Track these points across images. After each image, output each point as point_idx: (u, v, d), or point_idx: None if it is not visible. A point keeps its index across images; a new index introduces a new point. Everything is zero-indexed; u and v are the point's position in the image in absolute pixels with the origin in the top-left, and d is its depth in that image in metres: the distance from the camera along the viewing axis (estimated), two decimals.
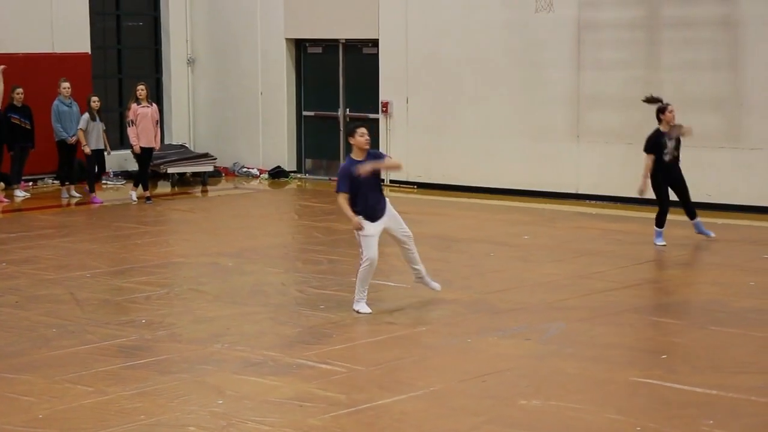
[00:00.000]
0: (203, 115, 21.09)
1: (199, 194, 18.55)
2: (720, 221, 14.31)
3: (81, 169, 17.94)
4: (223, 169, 20.25)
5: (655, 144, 12.91)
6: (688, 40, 15.84)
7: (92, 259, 12.54)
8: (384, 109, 18.74)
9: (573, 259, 12.38)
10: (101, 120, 16.96)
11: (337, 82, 19.64)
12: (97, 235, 14.35)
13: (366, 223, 9.78)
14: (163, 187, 18.96)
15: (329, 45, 19.68)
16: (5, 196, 17.28)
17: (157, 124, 16.99)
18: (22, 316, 9.89)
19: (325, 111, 19.82)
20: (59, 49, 19.09)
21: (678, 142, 13.00)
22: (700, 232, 13.23)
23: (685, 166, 15.82)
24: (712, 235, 13.21)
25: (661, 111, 13.02)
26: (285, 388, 7.77)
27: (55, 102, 17.17)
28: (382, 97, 18.79)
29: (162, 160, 19.10)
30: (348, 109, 19.57)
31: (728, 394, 7.57)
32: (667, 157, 12.90)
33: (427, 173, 18.28)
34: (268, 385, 7.83)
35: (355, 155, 9.87)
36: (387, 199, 10.03)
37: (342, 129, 19.58)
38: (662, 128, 12.96)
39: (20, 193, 17.41)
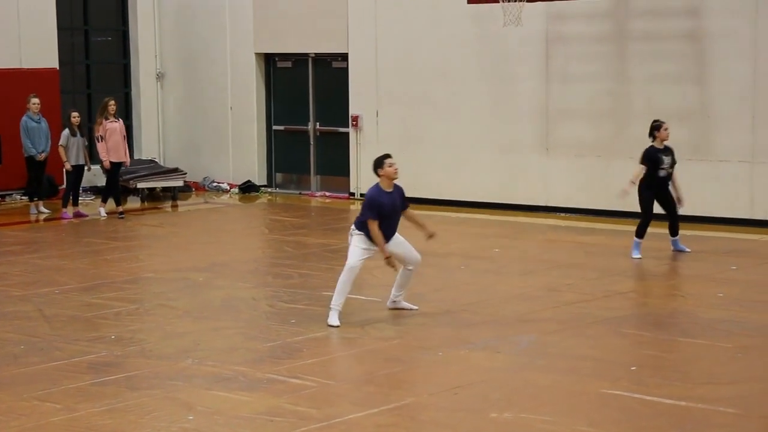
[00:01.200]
0: (173, 130, 21.04)
1: (169, 209, 18.49)
2: (689, 233, 14.38)
3: (50, 185, 17.85)
4: (193, 183, 20.20)
5: (651, 159, 12.93)
6: (655, 53, 15.96)
7: (61, 275, 12.47)
8: (354, 122, 18.76)
9: (543, 272, 12.41)
10: (82, 135, 16.86)
11: (306, 96, 19.65)
12: (66, 251, 14.26)
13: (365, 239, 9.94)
14: (133, 202, 18.88)
15: (299, 59, 19.69)
16: None
17: (124, 139, 16.92)
18: None
19: (295, 125, 19.82)
20: (27, 64, 19.00)
21: (674, 160, 13.06)
22: (677, 249, 13.31)
23: None
24: (689, 250, 13.29)
25: (656, 128, 13.07)
26: (256, 403, 7.74)
27: (24, 118, 17.07)
28: (352, 110, 18.81)
29: (132, 175, 19.03)
30: (318, 123, 19.58)
31: (697, 405, 7.61)
32: (662, 173, 12.95)
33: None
34: (238, 401, 7.80)
35: (384, 185, 9.97)
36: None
37: (312, 143, 19.59)
38: (656, 145, 12.99)
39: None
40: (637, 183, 13.00)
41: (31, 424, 7.33)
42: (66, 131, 16.71)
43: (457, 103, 17.69)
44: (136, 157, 20.68)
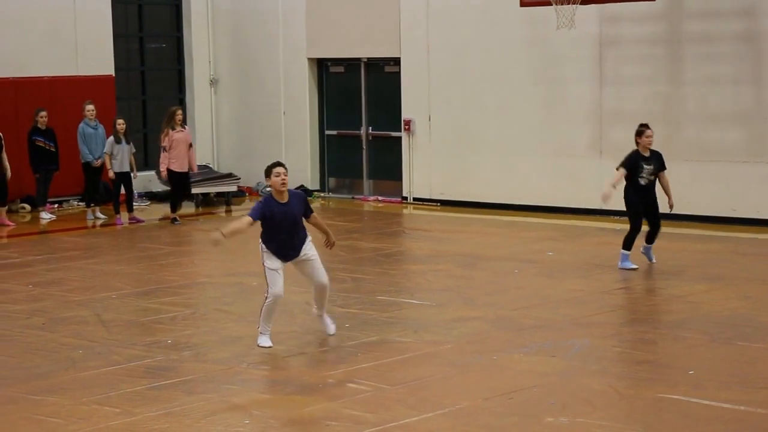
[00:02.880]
0: (226, 135, 21.19)
1: (224, 214, 18.61)
2: (745, 235, 14.24)
3: (106, 191, 18.04)
4: (246, 188, 20.31)
5: (633, 165, 12.50)
6: (709, 54, 15.81)
7: (117, 280, 12.60)
8: (406, 127, 18.77)
9: (597, 275, 12.34)
10: (128, 142, 17.01)
11: (359, 101, 19.70)
12: (122, 256, 14.41)
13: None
14: (188, 208, 19.02)
15: (351, 64, 19.74)
16: (24, 220, 17.39)
17: (191, 147, 16.93)
18: (49, 338, 9.94)
19: (347, 130, 19.87)
20: (83, 71, 19.23)
21: (659, 167, 12.59)
22: (646, 255, 12.78)
23: (709, 180, 15.82)
24: (654, 261, 12.74)
25: (638, 134, 12.64)
26: (311, 407, 7.77)
27: (81, 124, 17.28)
28: (405, 115, 18.82)
29: None
30: (370, 128, 19.62)
31: (756, 410, 7.52)
32: (642, 181, 12.55)
33: (450, 190, 18.29)
34: (294, 404, 7.84)
35: (276, 196, 9.46)
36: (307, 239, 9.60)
37: (365, 147, 19.63)
38: (640, 151, 12.57)
39: (46, 216, 17.50)
40: (618, 187, 12.60)
41: (90, 428, 7.42)
42: (111, 138, 16.86)
43: (509, 107, 17.64)
44: None
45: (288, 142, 20.29)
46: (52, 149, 17.51)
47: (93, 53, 19.36)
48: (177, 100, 21.09)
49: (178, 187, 16.90)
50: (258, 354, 9.22)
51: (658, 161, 12.59)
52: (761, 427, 7.22)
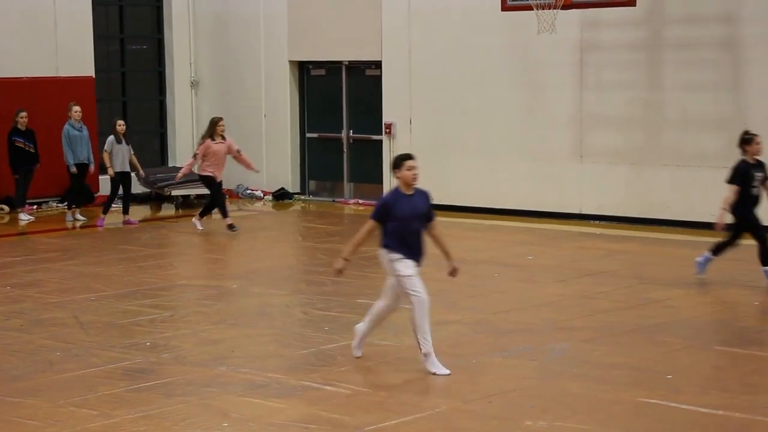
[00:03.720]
0: None
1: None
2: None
3: (86, 193, 17.97)
4: (227, 191, 20.25)
5: (743, 175, 11.69)
6: (689, 60, 15.88)
7: (96, 282, 12.55)
8: (387, 130, 18.77)
9: (577, 280, 12.37)
10: (128, 143, 16.91)
11: (340, 104, 19.69)
12: (102, 258, 14.36)
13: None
14: (168, 210, 18.98)
15: (332, 67, 19.73)
16: (3, 221, 17.31)
17: (239, 152, 16.46)
18: (26, 339, 9.89)
19: (328, 133, 19.85)
20: (64, 72, 19.16)
21: (766, 175, 11.79)
22: (704, 265, 12.20)
23: (688, 185, 15.89)
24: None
25: (747, 141, 11.78)
26: (290, 410, 7.76)
27: (66, 126, 17.13)
28: (386, 118, 18.83)
29: (166, 183, 19.13)
30: (351, 131, 19.62)
31: (734, 415, 7.55)
32: (755, 191, 11.75)
33: (431, 194, 18.27)
34: (273, 408, 7.82)
35: (403, 188, 8.68)
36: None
37: (345, 150, 19.61)
38: (747, 159, 11.75)
39: (25, 217, 17.42)
40: (729, 208, 11.74)
41: (68, 430, 7.38)
42: (111, 138, 16.74)
43: (490, 111, 17.67)
44: (170, 164, 20.80)
45: (269, 145, 20.26)
46: (32, 150, 17.44)
47: (73, 54, 19.29)
48: (157, 101, 21.04)
49: (215, 192, 16.20)
50: (236, 357, 9.19)
51: (765, 169, 11.87)
52: (741, 431, 7.25)
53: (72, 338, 9.90)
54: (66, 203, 17.81)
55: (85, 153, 17.06)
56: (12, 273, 13.12)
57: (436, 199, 18.85)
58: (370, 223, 8.61)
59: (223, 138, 16.22)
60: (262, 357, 9.25)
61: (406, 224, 8.62)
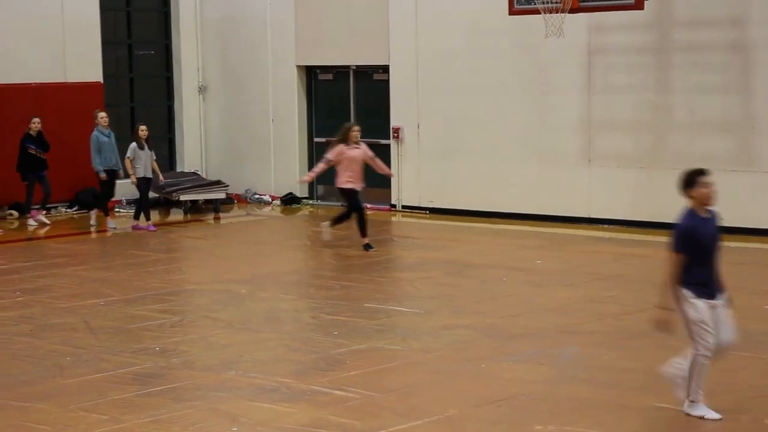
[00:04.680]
0: (215, 143, 21.17)
1: (212, 221, 18.59)
2: (733, 244, 14.25)
3: (95, 198, 17.99)
4: (235, 196, 20.30)
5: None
6: (698, 63, 15.87)
7: (106, 287, 12.57)
8: (395, 134, 18.79)
9: (585, 284, 12.36)
10: (150, 148, 16.92)
11: (348, 108, 19.71)
12: (110, 263, 14.39)
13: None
14: (176, 215, 19.01)
15: (340, 71, 19.75)
16: (12, 226, 17.37)
17: (374, 159, 15.21)
18: (37, 344, 9.92)
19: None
20: (72, 78, 19.20)
21: None
22: None
23: None
24: None
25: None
26: (299, 414, 7.76)
27: (94, 132, 17.05)
28: (393, 122, 18.84)
29: (174, 188, 19.16)
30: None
31: (742, 418, 7.54)
32: None
33: (439, 198, 18.30)
34: (282, 412, 7.83)
35: (698, 209, 7.71)
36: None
37: None
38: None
39: (33, 222, 17.44)
40: None
41: None
42: (133, 144, 16.73)
43: (498, 115, 17.66)
44: (178, 169, 20.84)
45: (276, 150, 20.28)
46: (43, 156, 17.42)
47: (81, 60, 19.33)
48: (165, 107, 21.09)
49: (353, 203, 15.03)
50: (245, 361, 9.21)
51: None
52: None
53: (82, 343, 9.92)
54: (93, 209, 17.59)
55: (114, 159, 16.99)
56: (22, 278, 13.16)
57: (443, 204, 18.84)
58: (674, 257, 7.40)
59: (358, 144, 15.04)
60: (271, 361, 9.26)
61: (706, 253, 7.43)
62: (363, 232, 14.81)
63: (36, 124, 17.37)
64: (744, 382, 8.49)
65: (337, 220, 15.32)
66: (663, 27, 16.15)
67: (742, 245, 14.54)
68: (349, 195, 14.99)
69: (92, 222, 17.27)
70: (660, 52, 16.19)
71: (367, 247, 14.71)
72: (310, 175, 15.96)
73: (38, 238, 16.61)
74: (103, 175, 16.83)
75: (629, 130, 16.54)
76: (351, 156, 14.85)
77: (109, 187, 17.11)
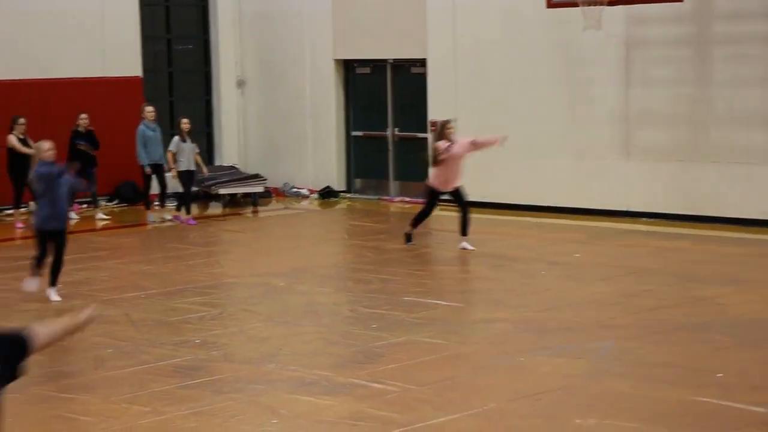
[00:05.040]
0: (253, 136, 21.28)
1: (250, 215, 18.69)
2: None
3: (134, 192, 18.13)
4: (273, 189, 20.39)
5: None
6: (737, 56, 15.76)
7: (146, 280, 12.70)
8: (432, 128, 18.79)
9: (623, 277, 12.34)
10: (192, 141, 17.03)
11: (385, 102, 19.74)
12: (150, 256, 14.52)
13: None
14: (214, 209, 19.14)
15: (377, 65, 19.79)
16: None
17: (474, 143, 14.50)
18: (79, 337, 9.96)
19: (373, 131, 19.91)
20: (111, 73, 19.36)
21: None
22: None
23: (736, 182, 15.77)
24: None
25: None
26: (338, 407, 7.82)
27: (141, 126, 17.18)
28: (431, 116, 18.85)
29: (213, 182, 19.28)
30: (396, 129, 19.66)
31: None
32: None
33: (476, 192, 18.22)
34: (321, 405, 7.89)
35: None
36: None
37: (391, 148, 19.66)
38: None
39: (100, 216, 17.47)
40: None
41: (120, 426, 7.51)
42: (176, 137, 16.84)
43: (535, 108, 17.63)
44: (216, 163, 20.97)
45: (314, 144, 20.36)
46: (92, 153, 17.50)
47: (121, 55, 19.48)
48: (204, 101, 21.22)
49: (461, 204, 14.41)
50: (284, 354, 9.28)
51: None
52: None
53: (123, 336, 10.03)
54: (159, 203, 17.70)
55: (159, 153, 17.11)
56: (63, 271, 13.26)
57: (481, 197, 18.76)
58: None
59: (453, 140, 14.34)
60: (310, 354, 9.33)
61: None
62: (463, 231, 14.17)
63: (84, 120, 17.45)
64: None
65: (417, 221, 14.51)
66: (702, 19, 16.05)
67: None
68: (429, 192, 14.46)
69: (150, 218, 17.26)
70: (699, 44, 16.10)
71: (465, 248, 13.94)
72: (437, 187, 14.47)
73: (79, 232, 16.77)
74: (148, 170, 16.94)
75: (667, 123, 16.46)
76: (454, 154, 14.24)
77: (160, 180, 17.13)
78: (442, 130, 14.54)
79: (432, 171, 14.54)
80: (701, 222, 15.74)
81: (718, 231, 15.24)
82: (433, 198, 14.46)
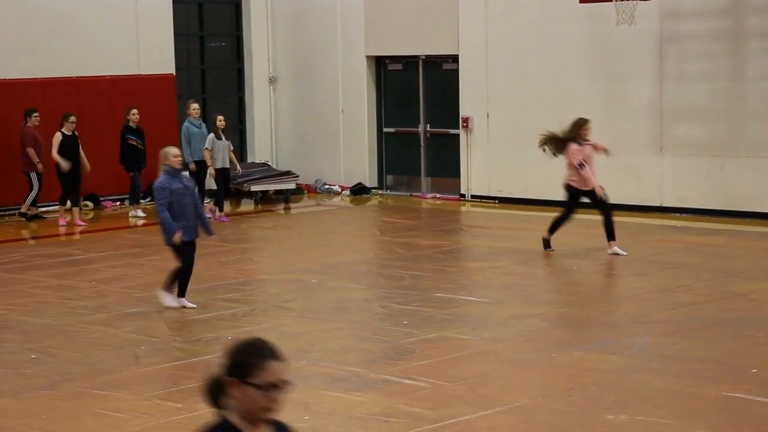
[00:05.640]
0: (285, 133, 21.31)
1: (282, 212, 18.72)
2: None
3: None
4: (305, 186, 20.41)
5: None
6: None
7: None
8: (464, 124, 18.75)
9: (658, 273, 12.25)
10: (227, 139, 17.08)
11: (417, 98, 19.71)
12: None
13: None
14: (247, 205, 19.18)
15: (409, 61, 19.75)
16: (88, 217, 17.61)
17: (597, 144, 13.76)
18: (112, 333, 10.08)
19: (405, 127, 19.88)
20: (145, 70, 19.45)
21: None
22: None
23: (766, 176, 15.62)
24: None
25: None
26: (370, 403, 7.80)
27: (185, 124, 17.24)
28: (463, 112, 18.79)
29: (245, 179, 19.32)
30: (428, 125, 19.62)
31: None
32: None
33: (508, 188, 18.23)
34: (353, 401, 7.88)
35: None
36: None
37: (423, 145, 19.62)
38: None
39: (139, 213, 17.40)
40: None
41: (153, 422, 7.52)
42: (211, 135, 16.87)
43: (568, 104, 17.52)
44: (249, 160, 21.01)
45: (346, 140, 20.35)
46: (142, 148, 17.57)
47: (154, 52, 19.55)
48: (236, 98, 21.26)
49: (603, 209, 13.54)
50: (316, 350, 9.27)
51: None
52: None
53: (156, 332, 10.06)
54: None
55: (203, 150, 17.10)
56: (97, 268, 13.37)
57: (513, 193, 18.66)
58: None
59: (587, 141, 13.55)
60: (342, 351, 9.31)
61: None
62: (611, 234, 13.41)
63: (134, 115, 17.50)
64: None
65: (555, 226, 13.68)
66: (738, 13, 15.90)
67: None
68: (571, 192, 13.62)
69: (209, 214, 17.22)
70: (734, 38, 15.95)
71: (616, 253, 13.10)
72: (597, 188, 13.51)
73: (112, 229, 16.85)
74: (192, 167, 16.96)
75: (702, 118, 16.33)
76: (589, 154, 13.50)
77: (200, 178, 17.10)
78: (579, 130, 13.56)
79: (584, 172, 13.38)
80: (737, 217, 15.60)
81: (753, 226, 15.11)
82: (574, 199, 13.55)
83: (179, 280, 11.02)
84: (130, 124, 17.49)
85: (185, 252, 10.90)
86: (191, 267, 10.99)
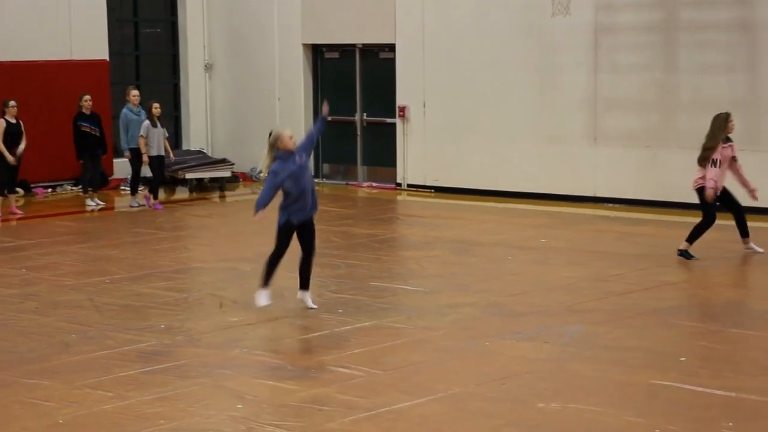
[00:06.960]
0: (221, 121, 21.17)
1: (217, 199, 18.61)
2: (754, 225, 14.23)
3: (101, 177, 17.98)
4: (240, 174, 20.30)
5: None
6: (704, 42, 15.82)
7: (111, 264, 12.59)
8: (401, 113, 18.76)
9: (591, 262, 12.36)
10: (162, 126, 16.90)
11: (354, 87, 19.68)
12: (116, 241, 14.40)
13: None
14: (182, 193, 19.02)
15: (346, 50, 19.71)
16: (18, 204, 17.36)
17: (735, 161, 12.52)
18: (42, 322, 9.94)
19: (342, 116, 19.84)
20: (77, 55, 19.19)
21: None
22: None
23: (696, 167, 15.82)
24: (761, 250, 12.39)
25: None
26: (303, 392, 7.78)
27: (124, 110, 17.07)
28: (399, 101, 18.81)
29: (180, 166, 19.17)
30: (365, 114, 19.60)
31: (749, 397, 7.55)
32: None
33: (445, 177, 18.29)
34: (286, 390, 7.85)
35: None
36: None
37: (359, 134, 19.60)
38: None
39: (91, 202, 17.20)
40: None
41: (83, 411, 7.43)
42: (146, 122, 16.70)
43: (504, 94, 17.63)
44: (184, 147, 20.85)
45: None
46: (97, 134, 17.31)
47: (87, 37, 19.31)
48: (171, 84, 21.06)
49: (710, 212, 12.45)
50: (250, 339, 9.23)
51: None
52: (755, 414, 7.24)
53: (87, 320, 9.94)
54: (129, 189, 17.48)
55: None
56: (28, 256, 13.18)
57: (449, 182, 18.83)
58: None
59: (730, 141, 12.37)
60: (276, 339, 9.28)
61: None
62: (743, 231, 12.67)
63: (87, 101, 17.22)
64: (750, 361, 8.50)
65: (695, 234, 12.45)
66: (670, 6, 16.09)
67: (748, 224, 14.51)
68: (715, 200, 12.34)
69: (133, 203, 17.07)
70: (666, 31, 16.14)
71: (751, 248, 12.55)
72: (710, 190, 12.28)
73: (44, 216, 16.62)
74: (127, 154, 16.82)
75: (635, 109, 16.50)
76: (724, 155, 12.30)
77: (137, 165, 16.92)
78: (725, 125, 12.27)
79: (713, 173, 12.14)
80: (668, 207, 15.80)
81: (685, 216, 15.29)
82: (715, 202, 12.30)
83: (302, 270, 10.10)
84: (84, 110, 17.24)
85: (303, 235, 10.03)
86: (312, 255, 10.17)
